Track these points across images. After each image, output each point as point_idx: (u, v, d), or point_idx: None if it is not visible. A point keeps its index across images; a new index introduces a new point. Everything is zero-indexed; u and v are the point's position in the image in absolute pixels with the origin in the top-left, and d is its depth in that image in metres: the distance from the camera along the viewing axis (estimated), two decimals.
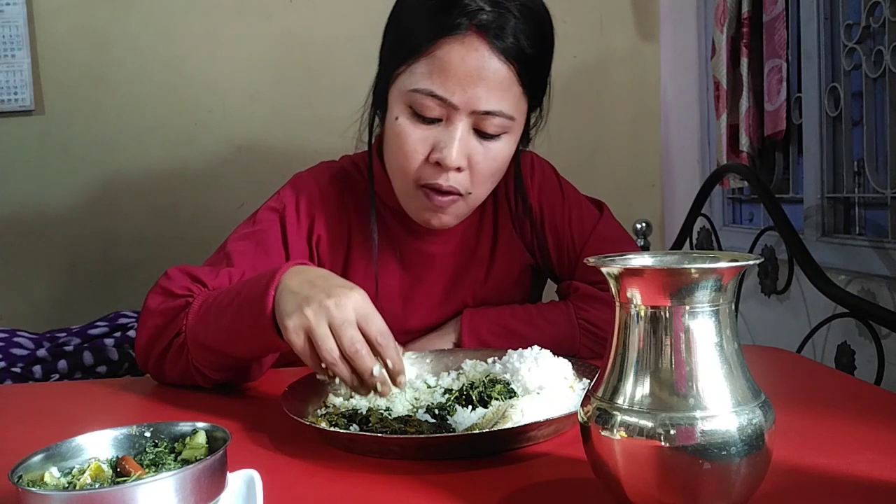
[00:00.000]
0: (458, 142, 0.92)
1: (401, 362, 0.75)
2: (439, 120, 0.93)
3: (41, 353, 1.37)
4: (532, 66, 0.94)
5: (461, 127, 0.92)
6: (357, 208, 1.09)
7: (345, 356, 0.72)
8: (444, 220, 0.99)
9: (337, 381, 0.75)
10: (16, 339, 1.42)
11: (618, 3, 2.21)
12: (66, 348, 1.38)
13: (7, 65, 1.98)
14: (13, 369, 1.35)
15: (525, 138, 1.04)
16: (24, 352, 1.39)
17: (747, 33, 1.84)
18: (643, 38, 2.23)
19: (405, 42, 0.93)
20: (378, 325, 0.74)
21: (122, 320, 1.48)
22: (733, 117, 1.89)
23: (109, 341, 1.41)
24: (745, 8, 1.83)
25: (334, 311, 0.72)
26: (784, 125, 1.76)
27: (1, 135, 2.01)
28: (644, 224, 1.90)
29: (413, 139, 0.94)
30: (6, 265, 2.04)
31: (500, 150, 0.96)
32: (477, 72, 0.90)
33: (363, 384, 0.73)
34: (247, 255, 0.99)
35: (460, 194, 0.96)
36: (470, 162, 0.94)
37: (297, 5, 2.09)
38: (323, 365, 0.74)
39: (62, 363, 1.36)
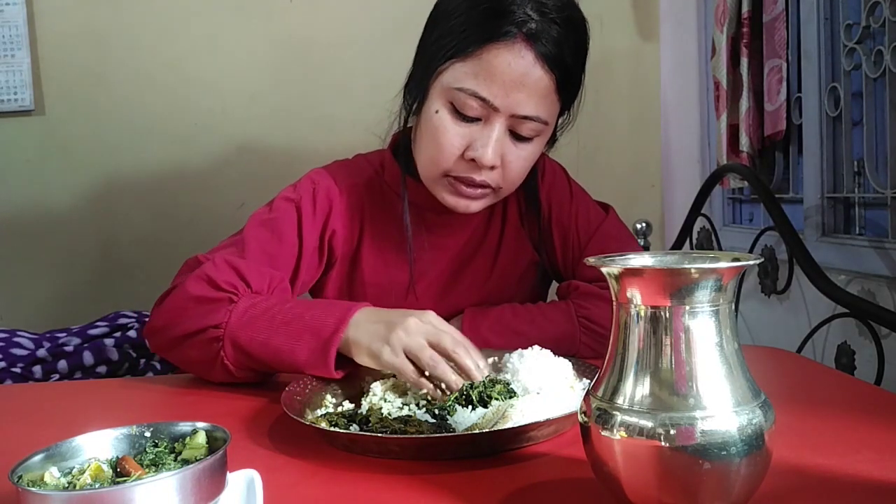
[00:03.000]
0: (495, 142, 0.96)
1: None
2: (478, 119, 0.96)
3: (41, 353, 1.37)
4: (570, 74, 0.98)
5: (498, 128, 0.96)
6: (371, 204, 1.11)
7: (448, 357, 0.82)
8: (472, 206, 1.03)
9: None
10: (16, 339, 1.42)
11: (618, 3, 2.21)
12: (66, 348, 1.38)
13: (7, 65, 1.98)
14: (13, 369, 1.35)
15: (552, 139, 1.08)
16: (24, 352, 1.39)
17: (747, 33, 1.84)
18: (643, 38, 2.23)
19: (450, 41, 0.96)
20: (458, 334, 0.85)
21: (122, 320, 1.48)
22: (733, 117, 1.89)
23: (109, 341, 1.41)
24: (745, 8, 1.83)
25: (424, 326, 0.83)
26: (784, 125, 1.76)
27: (1, 135, 2.01)
28: (644, 224, 1.90)
29: (451, 134, 0.97)
30: (6, 265, 2.04)
31: (531, 151, 1.01)
32: (521, 78, 0.93)
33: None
34: (261, 241, 1.02)
35: (491, 188, 1.00)
36: (503, 161, 0.98)
37: (297, 5, 2.09)
38: (421, 377, 0.82)
39: (62, 363, 1.36)
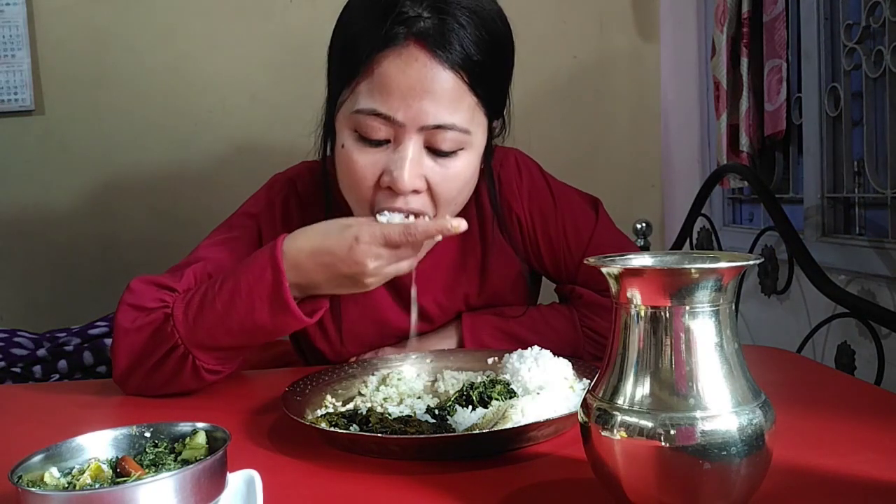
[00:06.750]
0: (410, 162, 0.85)
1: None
2: (387, 142, 0.86)
3: (41, 353, 1.37)
4: (485, 73, 0.87)
5: (412, 146, 0.85)
6: (339, 210, 1.05)
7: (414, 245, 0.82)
8: None
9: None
10: (16, 339, 1.42)
11: (618, 3, 2.21)
12: (66, 348, 1.38)
13: (7, 65, 1.98)
14: (13, 369, 1.35)
15: (488, 150, 0.95)
16: (24, 352, 1.39)
17: (747, 33, 1.84)
18: (643, 38, 2.23)
19: (345, 63, 0.87)
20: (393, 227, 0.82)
21: None
22: (733, 117, 1.89)
23: (109, 341, 1.41)
24: (745, 8, 1.83)
25: (372, 249, 0.81)
26: (784, 125, 1.76)
27: (1, 135, 2.01)
28: (644, 224, 1.90)
29: (361, 165, 0.87)
30: (6, 265, 2.04)
31: (460, 169, 0.89)
32: (420, 84, 0.83)
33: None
34: (220, 262, 0.97)
35: (426, 214, 0.90)
36: (428, 184, 0.87)
37: (297, 5, 2.09)
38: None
39: (62, 363, 1.36)
